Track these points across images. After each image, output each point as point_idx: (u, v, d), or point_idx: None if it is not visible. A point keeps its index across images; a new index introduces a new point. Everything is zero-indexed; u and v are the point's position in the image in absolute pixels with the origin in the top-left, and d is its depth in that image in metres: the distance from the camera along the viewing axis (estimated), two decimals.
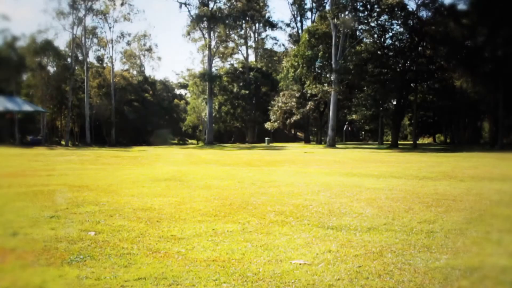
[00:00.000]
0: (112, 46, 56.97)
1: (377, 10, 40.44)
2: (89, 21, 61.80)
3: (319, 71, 46.95)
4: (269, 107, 53.88)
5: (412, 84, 42.89)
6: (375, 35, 43.25)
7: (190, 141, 69.08)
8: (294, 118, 50.97)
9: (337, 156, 25.54)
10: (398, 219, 6.40)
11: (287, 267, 4.26)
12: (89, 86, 53.26)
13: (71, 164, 18.13)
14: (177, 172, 13.62)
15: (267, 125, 53.96)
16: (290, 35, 64.57)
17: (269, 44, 70.60)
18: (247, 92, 59.09)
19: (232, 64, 63.63)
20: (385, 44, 43.58)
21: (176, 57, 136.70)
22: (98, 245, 4.95)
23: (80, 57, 53.66)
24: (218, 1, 51.18)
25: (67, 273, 4.07)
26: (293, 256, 4.60)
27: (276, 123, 53.09)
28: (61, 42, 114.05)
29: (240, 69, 61.70)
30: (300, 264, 4.35)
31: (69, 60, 51.48)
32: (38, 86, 47.61)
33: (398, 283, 3.87)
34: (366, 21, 41.89)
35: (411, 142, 46.44)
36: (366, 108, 50.23)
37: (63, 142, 51.23)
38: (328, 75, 44.53)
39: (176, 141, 65.49)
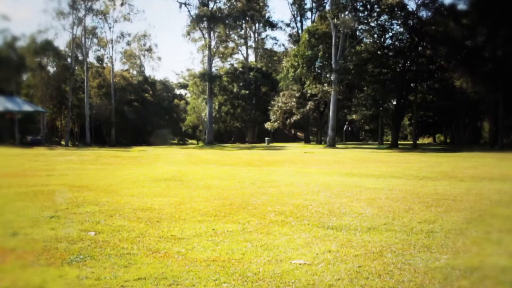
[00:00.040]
0: (112, 46, 57.05)
1: (377, 10, 40.45)
2: (89, 21, 61.85)
3: (319, 71, 46.96)
4: (269, 107, 53.89)
5: (412, 84, 42.89)
6: (375, 35, 43.27)
7: (190, 141, 69.08)
8: (294, 118, 50.98)
9: (337, 156, 25.54)
10: (398, 219, 6.40)
11: (287, 267, 4.26)
12: (89, 86, 53.26)
13: (71, 164, 18.13)
14: (177, 172, 13.62)
15: (267, 125, 53.96)
16: (290, 35, 64.62)
17: (269, 44, 70.71)
18: (247, 92, 59.10)
19: (232, 64, 63.68)
20: (385, 44, 43.59)
21: (176, 57, 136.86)
22: (98, 245, 4.95)
23: (80, 57, 53.67)
24: (218, 1, 51.26)
25: (67, 273, 4.07)
26: (293, 256, 4.60)
27: (276, 123, 53.10)
28: (61, 42, 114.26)
29: (240, 69, 61.71)
30: (300, 264, 4.34)
31: (69, 60, 51.50)
32: (38, 86, 47.61)
33: (398, 283, 3.87)
34: (366, 21, 41.89)
35: (411, 142, 46.44)
36: (366, 108, 50.23)
37: (63, 142, 51.23)
38: (328, 75, 44.54)
39: (176, 141, 65.50)
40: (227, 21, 51.16)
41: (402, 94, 42.60)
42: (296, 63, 46.15)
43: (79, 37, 51.62)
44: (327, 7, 46.85)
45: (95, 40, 56.28)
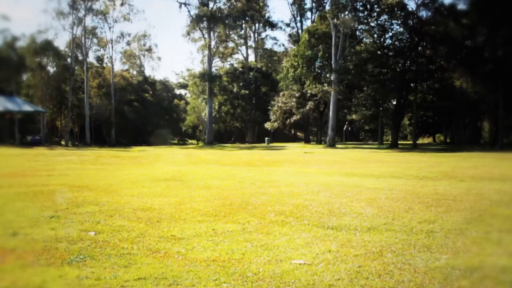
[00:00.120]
0: (112, 46, 57.05)
1: (377, 10, 40.45)
2: (89, 21, 61.83)
3: (319, 71, 46.95)
4: (269, 107, 53.89)
5: (412, 84, 42.90)
6: (375, 35, 43.27)
7: (190, 141, 69.10)
8: (294, 118, 50.98)
9: (337, 156, 25.54)
10: (398, 219, 6.40)
11: (287, 267, 4.26)
12: (89, 86, 53.27)
13: (71, 164, 18.13)
14: (177, 172, 13.62)
15: (267, 125, 53.97)
16: (290, 35, 64.64)
17: (269, 44, 70.75)
18: (247, 92, 59.11)
19: (232, 64, 63.69)
20: (385, 44, 43.59)
21: (176, 57, 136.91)
22: (98, 245, 4.95)
23: (80, 57, 53.68)
24: (218, 1, 51.26)
25: (67, 273, 4.07)
26: (293, 256, 4.60)
27: (276, 123, 53.10)
28: (61, 42, 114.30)
29: (240, 69, 61.72)
30: (300, 264, 4.35)
31: (69, 60, 51.50)
32: (38, 86, 47.62)
33: (398, 283, 3.87)
34: (366, 21, 41.90)
35: (411, 142, 46.44)
36: (366, 108, 50.22)
37: (63, 142, 51.24)
38: (328, 75, 44.54)
39: (176, 141, 65.52)
40: (227, 21, 51.16)
41: (402, 94, 42.60)
42: (296, 63, 46.15)
43: (79, 37, 51.65)
44: (327, 7, 46.86)
45: (95, 40, 56.37)
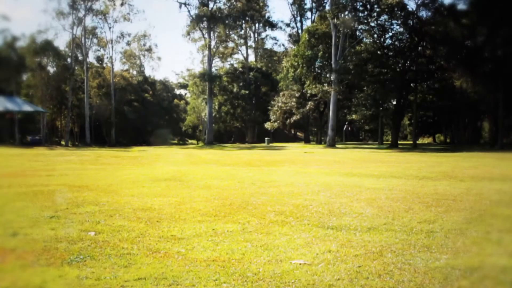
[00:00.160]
0: (112, 46, 57.04)
1: (377, 10, 40.45)
2: (89, 21, 61.81)
3: (319, 71, 46.95)
4: (269, 107, 53.90)
5: (412, 84, 42.90)
6: (375, 35, 43.27)
7: (190, 141, 69.10)
8: (294, 118, 50.98)
9: (337, 156, 25.54)
10: (398, 219, 6.40)
11: (287, 267, 4.26)
12: (89, 86, 53.26)
13: (71, 164, 18.13)
14: (177, 172, 13.62)
15: (267, 125, 53.97)
16: (290, 35, 64.64)
17: (269, 44, 70.76)
18: (247, 92, 59.11)
19: (232, 64, 63.70)
20: (385, 44, 43.59)
21: (176, 57, 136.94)
22: (98, 245, 4.95)
23: (80, 57, 53.66)
24: (218, 1, 51.25)
25: (67, 273, 4.07)
26: (293, 256, 4.60)
27: (276, 123, 53.11)
28: (61, 42, 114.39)
29: (240, 69, 61.72)
30: (300, 264, 4.35)
31: (69, 60, 51.50)
32: (38, 86, 47.61)
33: (398, 283, 3.87)
34: (366, 21, 41.90)
35: (411, 142, 46.44)
36: (366, 108, 50.23)
37: (63, 142, 51.23)
38: (328, 75, 44.54)
39: (176, 141, 65.53)
40: (227, 21, 51.15)
41: (402, 94, 42.60)
42: (296, 63, 46.15)
43: (79, 37, 51.63)
44: (327, 7, 46.86)
45: (95, 40, 56.36)
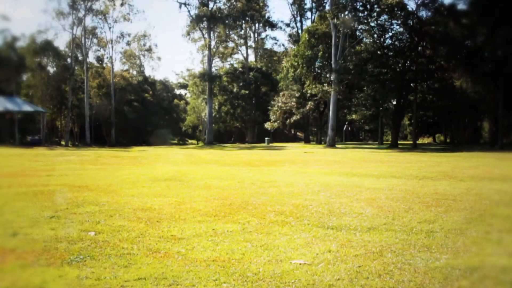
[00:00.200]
0: (112, 46, 57.02)
1: (377, 10, 40.45)
2: (89, 21, 61.82)
3: (319, 71, 46.92)
4: (269, 107, 53.90)
5: (412, 84, 42.90)
6: (375, 35, 43.27)
7: (190, 141, 69.10)
8: (294, 118, 50.98)
9: (337, 156, 25.54)
10: (398, 219, 6.40)
11: (287, 267, 4.26)
12: (89, 86, 53.25)
13: (71, 164, 18.13)
14: (177, 172, 13.62)
15: (267, 125, 53.97)
16: (290, 35, 64.60)
17: (269, 44, 70.78)
18: (247, 92, 59.11)
19: (232, 64, 63.70)
20: (385, 44, 43.59)
21: (176, 57, 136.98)
22: (98, 245, 4.95)
23: (80, 57, 53.65)
24: (218, 1, 51.25)
25: (67, 273, 4.07)
26: (293, 256, 4.60)
27: (276, 123, 53.10)
28: (61, 42, 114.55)
29: (240, 69, 61.71)
30: (300, 264, 4.35)
31: (69, 60, 51.49)
32: (38, 86, 47.61)
33: (398, 283, 3.87)
34: (366, 21, 41.90)
35: (411, 142, 46.44)
36: (366, 108, 50.22)
37: (63, 142, 51.22)
38: (328, 75, 44.51)
39: (176, 141, 65.52)
40: (227, 21, 51.15)
41: (402, 94, 42.60)
42: (296, 63, 46.14)
43: (79, 37, 51.62)
44: (327, 7, 46.86)
45: (95, 40, 56.30)
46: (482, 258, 4.73)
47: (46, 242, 5.03)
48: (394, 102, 45.99)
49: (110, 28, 56.78)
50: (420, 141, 55.51)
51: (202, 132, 62.76)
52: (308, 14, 60.84)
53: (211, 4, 50.68)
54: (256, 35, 64.78)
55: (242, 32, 59.23)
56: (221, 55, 58.88)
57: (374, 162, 19.87)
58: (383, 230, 5.72)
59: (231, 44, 59.13)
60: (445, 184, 10.72)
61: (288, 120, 52.01)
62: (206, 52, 52.56)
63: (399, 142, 46.31)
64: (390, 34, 43.26)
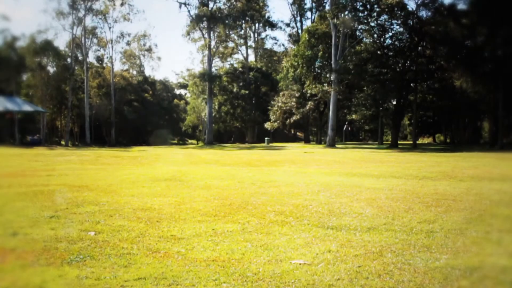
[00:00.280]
0: (112, 46, 57.02)
1: (377, 10, 40.43)
2: (89, 21, 61.83)
3: (319, 71, 46.92)
4: (269, 107, 53.89)
5: (412, 84, 42.90)
6: (375, 35, 43.26)
7: (190, 141, 69.10)
8: (294, 118, 50.98)
9: (337, 156, 25.54)
10: (398, 219, 6.40)
11: (287, 267, 4.26)
12: (89, 86, 53.25)
13: (71, 164, 18.13)
14: (177, 172, 13.62)
15: (267, 125, 53.97)
16: (290, 35, 64.59)
17: (269, 44, 70.80)
18: (247, 92, 59.11)
19: (232, 64, 63.69)
20: (385, 44, 43.59)
21: (176, 57, 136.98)
22: (98, 245, 4.95)
23: (80, 57, 53.65)
24: (217, 1, 51.26)
25: (67, 273, 4.07)
26: (293, 256, 4.60)
27: (276, 123, 53.10)
28: (61, 42, 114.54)
29: (240, 69, 61.71)
30: (300, 264, 4.35)
31: (69, 60, 51.48)
32: (38, 86, 47.58)
33: (398, 283, 3.87)
34: (366, 21, 41.89)
35: (411, 142, 46.44)
36: (366, 108, 50.23)
37: (63, 142, 51.22)
38: (328, 75, 44.51)
39: (176, 141, 65.52)
40: (227, 21, 51.16)
41: (402, 94, 42.60)
42: (296, 63, 46.14)
43: (79, 37, 51.62)
44: (327, 7, 46.84)
45: (95, 40, 56.31)
46: (482, 258, 4.73)
47: (46, 242, 5.03)
48: (394, 102, 45.99)
49: (110, 28, 56.85)
50: (420, 141, 55.51)
51: (202, 132, 62.77)
52: (308, 14, 60.91)
53: (211, 4, 50.73)
54: (256, 35, 64.85)
55: (242, 32, 59.26)
56: (221, 55, 58.90)
57: (374, 162, 19.87)
58: (383, 230, 5.72)
59: (231, 44, 59.17)
60: (445, 184, 10.72)
61: (288, 120, 52.01)
62: (206, 52, 52.57)
63: (399, 142, 46.31)
64: (390, 34, 43.32)
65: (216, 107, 58.41)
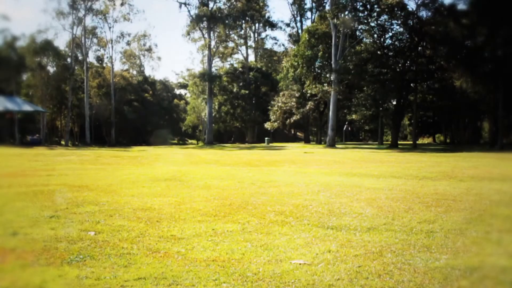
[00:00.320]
0: (112, 46, 56.99)
1: (377, 10, 40.43)
2: (89, 21, 61.89)
3: (319, 71, 46.91)
4: (269, 107, 53.89)
5: (412, 84, 42.88)
6: (375, 35, 43.25)
7: (190, 141, 69.09)
8: (294, 118, 50.97)
9: (337, 156, 25.54)
10: (398, 219, 6.40)
11: (287, 267, 4.26)
12: (89, 86, 53.25)
13: (71, 164, 18.12)
14: (177, 172, 13.62)
15: (267, 125, 53.96)
16: (290, 35, 64.59)
17: (269, 44, 70.80)
18: (247, 92, 59.11)
19: (232, 64, 63.68)
20: (385, 44, 43.57)
21: (176, 57, 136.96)
22: (98, 245, 4.95)
23: (80, 57, 53.65)
24: (218, 1, 51.26)
25: (67, 273, 4.07)
26: (293, 256, 4.60)
27: (276, 123, 53.09)
28: (61, 42, 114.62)
29: (240, 69, 61.70)
30: (300, 264, 4.35)
31: (69, 60, 51.48)
32: (38, 86, 47.58)
33: (398, 283, 3.87)
34: (366, 21, 41.88)
35: (411, 142, 46.43)
36: (366, 108, 50.21)
37: (63, 142, 51.22)
38: (328, 75, 44.51)
39: (176, 141, 65.52)
40: (227, 21, 51.15)
41: (402, 94, 42.59)
42: (296, 63, 46.13)
43: (79, 37, 51.61)
44: (327, 7, 46.84)
45: (95, 40, 56.28)
46: (482, 258, 4.73)
47: (46, 241, 5.03)
48: (394, 102, 45.98)
49: (110, 28, 56.84)
50: (420, 141, 55.51)
51: (202, 132, 62.75)
52: (308, 14, 60.91)
53: (211, 4, 50.73)
54: (256, 35, 64.84)
55: (242, 32, 59.26)
56: (221, 55, 58.89)
57: (374, 162, 19.87)
58: (383, 230, 5.72)
59: (231, 44, 59.16)
60: (445, 184, 10.72)
61: (288, 120, 52.01)
62: (206, 52, 52.56)
63: (399, 142, 46.30)
64: (390, 34, 43.29)
65: (216, 107, 58.41)
